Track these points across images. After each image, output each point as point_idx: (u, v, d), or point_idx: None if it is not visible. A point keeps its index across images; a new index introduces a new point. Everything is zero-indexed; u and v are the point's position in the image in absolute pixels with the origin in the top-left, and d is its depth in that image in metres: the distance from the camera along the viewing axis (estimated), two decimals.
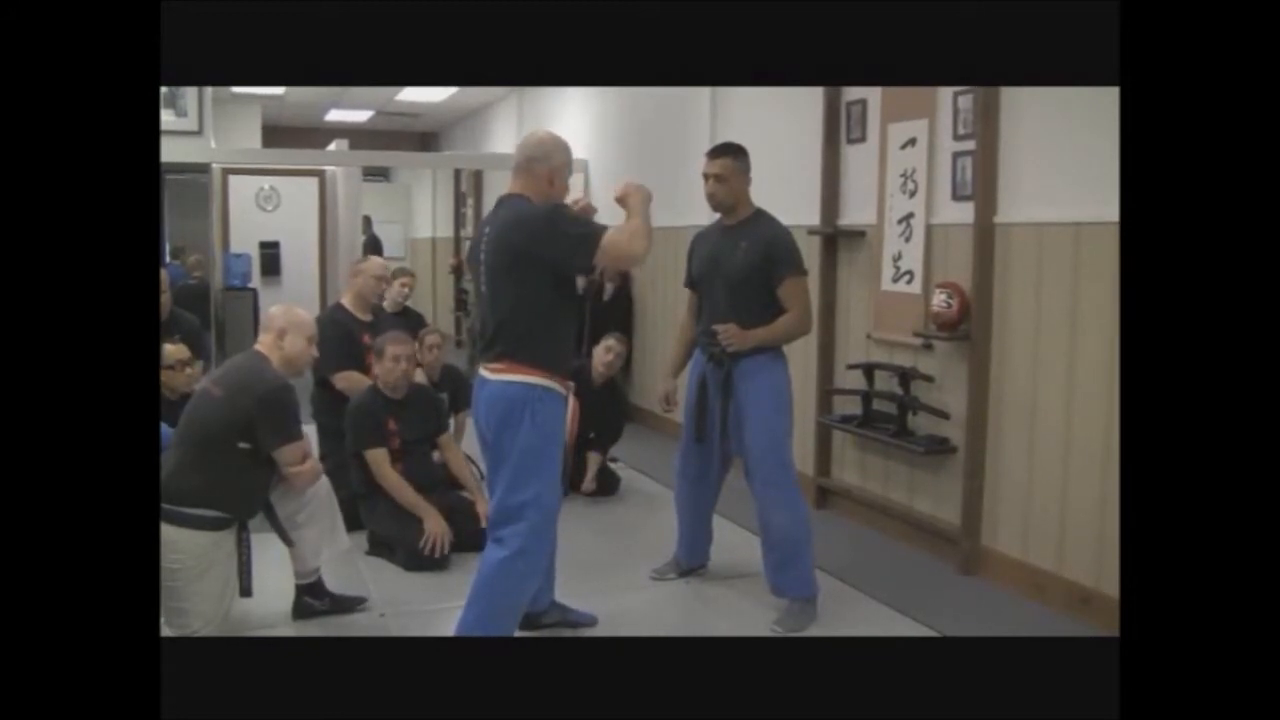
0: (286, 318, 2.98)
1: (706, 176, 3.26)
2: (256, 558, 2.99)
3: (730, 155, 3.25)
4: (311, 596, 3.18)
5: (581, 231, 2.58)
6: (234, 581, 2.89)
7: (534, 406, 2.62)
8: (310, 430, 4.31)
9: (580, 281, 2.97)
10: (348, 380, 4.13)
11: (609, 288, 6.50)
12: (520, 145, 2.79)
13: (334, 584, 3.25)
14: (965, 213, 3.68)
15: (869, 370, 4.17)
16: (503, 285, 2.65)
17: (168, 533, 2.68)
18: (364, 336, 4.24)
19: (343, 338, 4.22)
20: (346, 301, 4.40)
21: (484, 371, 2.70)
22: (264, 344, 2.97)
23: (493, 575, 2.63)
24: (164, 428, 2.93)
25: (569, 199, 2.81)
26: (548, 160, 2.72)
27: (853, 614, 3.30)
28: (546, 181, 2.71)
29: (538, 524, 2.64)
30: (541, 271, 2.60)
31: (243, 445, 2.81)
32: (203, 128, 7.59)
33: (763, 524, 3.24)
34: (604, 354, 4.73)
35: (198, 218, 8.56)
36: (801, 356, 4.30)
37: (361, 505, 3.82)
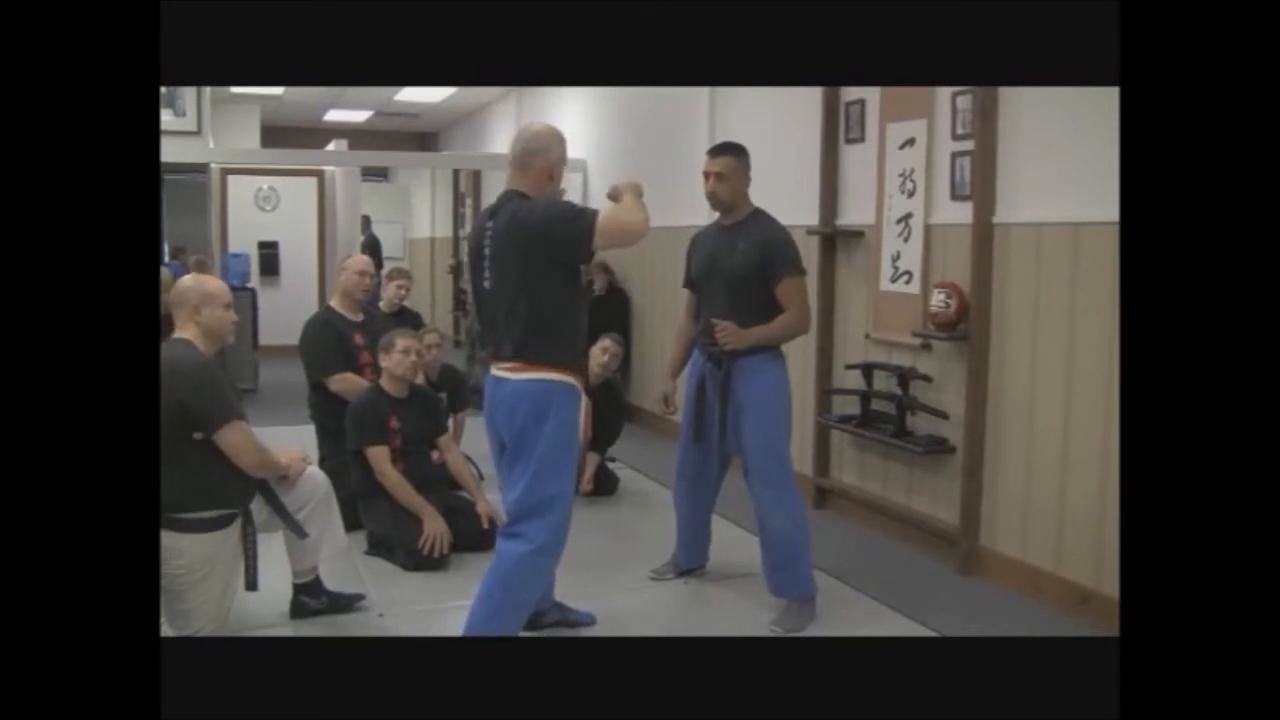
0: (198, 292, 2.81)
1: (707, 175, 3.26)
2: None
3: (732, 154, 3.26)
4: (308, 596, 3.17)
5: (577, 216, 2.57)
6: (235, 581, 2.88)
7: (558, 403, 2.61)
8: (309, 431, 4.35)
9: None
10: (344, 383, 4.12)
11: (598, 285, 6.48)
12: (515, 139, 2.73)
13: (332, 583, 3.25)
14: (964, 213, 3.68)
15: (868, 370, 4.18)
16: (511, 283, 2.61)
17: (168, 540, 2.66)
18: (355, 337, 4.22)
19: (334, 340, 4.20)
20: (335, 303, 4.38)
21: (500, 372, 2.67)
22: (180, 325, 2.82)
23: (513, 569, 2.62)
24: None
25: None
26: (545, 154, 2.69)
27: (851, 614, 3.31)
28: (546, 176, 2.69)
29: (562, 518, 2.65)
30: (549, 266, 2.59)
31: (196, 436, 2.72)
32: (201, 128, 7.60)
33: (761, 524, 3.24)
34: (600, 354, 4.73)
35: (197, 218, 8.57)
36: (800, 356, 4.31)
37: (361, 505, 3.82)
